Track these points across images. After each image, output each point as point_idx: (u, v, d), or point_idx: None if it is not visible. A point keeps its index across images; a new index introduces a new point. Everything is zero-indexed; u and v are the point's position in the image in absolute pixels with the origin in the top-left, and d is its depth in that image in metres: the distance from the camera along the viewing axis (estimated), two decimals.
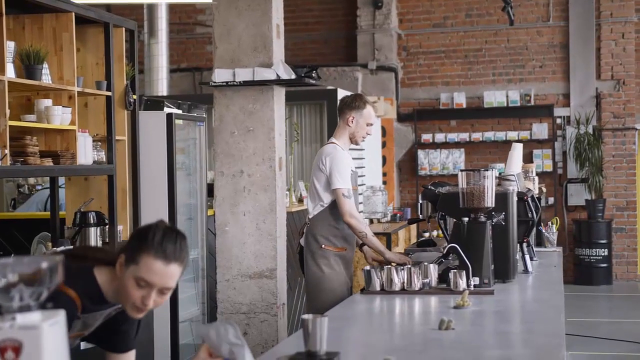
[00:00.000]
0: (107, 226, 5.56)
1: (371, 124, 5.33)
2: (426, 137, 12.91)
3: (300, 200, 8.08)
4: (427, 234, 12.39)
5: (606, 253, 12.21)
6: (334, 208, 5.20)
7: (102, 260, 2.71)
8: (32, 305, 1.76)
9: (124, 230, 5.85)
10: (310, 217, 5.29)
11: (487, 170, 4.44)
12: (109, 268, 2.68)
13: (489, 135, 12.71)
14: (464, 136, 12.79)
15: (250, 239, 5.73)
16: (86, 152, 5.27)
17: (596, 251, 12.20)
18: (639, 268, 12.74)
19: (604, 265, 12.23)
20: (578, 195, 12.56)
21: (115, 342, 2.90)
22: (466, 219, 4.42)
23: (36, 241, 5.86)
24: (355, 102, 5.30)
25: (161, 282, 2.57)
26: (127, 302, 2.63)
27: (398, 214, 11.38)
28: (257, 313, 5.74)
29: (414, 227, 11.35)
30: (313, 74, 6.06)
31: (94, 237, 5.40)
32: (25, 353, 1.72)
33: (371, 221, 10.23)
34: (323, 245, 5.20)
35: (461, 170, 4.48)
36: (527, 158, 12.36)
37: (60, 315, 1.80)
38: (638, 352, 8.15)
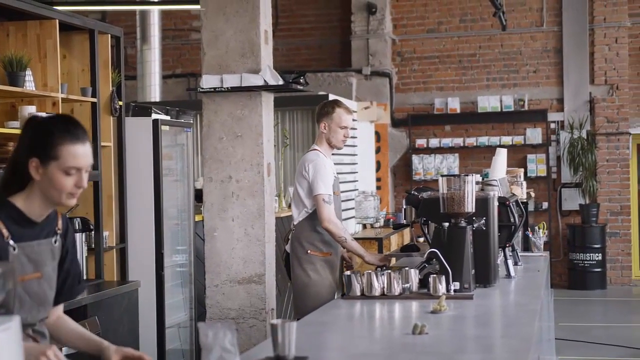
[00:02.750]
0: (92, 232, 5.58)
1: (345, 127, 5.42)
2: (420, 142, 12.93)
3: (290, 206, 8.10)
4: (422, 239, 12.39)
5: (600, 258, 12.22)
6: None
7: (10, 191, 2.74)
8: None
9: (109, 237, 5.87)
10: (295, 223, 5.40)
11: (468, 175, 4.45)
12: (21, 193, 2.72)
13: (483, 140, 12.73)
14: (458, 141, 12.81)
15: (239, 245, 5.74)
16: None
17: (590, 256, 12.20)
18: (633, 272, 12.74)
19: (598, 269, 12.24)
20: (572, 200, 12.56)
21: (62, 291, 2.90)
22: (446, 224, 4.43)
23: None
24: (325, 108, 5.46)
25: (87, 162, 2.72)
26: (60, 196, 2.70)
27: (392, 219, 11.39)
28: (246, 318, 5.74)
29: (407, 232, 11.36)
30: (301, 80, 6.08)
31: (80, 243, 5.41)
32: None
33: (364, 226, 10.24)
34: (309, 251, 5.30)
35: (442, 176, 4.50)
36: (521, 163, 12.38)
37: (14, 321, 1.82)
38: (631, 356, 8.15)
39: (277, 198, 8.03)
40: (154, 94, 10.49)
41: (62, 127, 2.70)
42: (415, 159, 12.92)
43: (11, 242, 2.66)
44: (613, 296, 11.92)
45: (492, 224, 4.63)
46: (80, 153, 2.69)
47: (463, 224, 4.43)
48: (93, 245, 5.62)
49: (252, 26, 5.83)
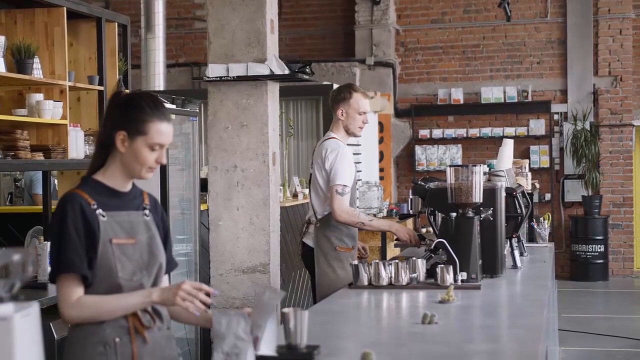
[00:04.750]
0: None
1: (364, 112, 5.20)
2: (423, 132, 12.92)
3: (295, 195, 8.10)
4: (424, 230, 12.41)
5: (602, 249, 12.23)
6: None
7: (93, 171, 2.90)
8: (4, 296, 1.79)
9: None
10: (319, 216, 5.17)
11: (475, 166, 4.45)
12: (100, 169, 2.88)
13: (486, 131, 12.72)
14: (462, 132, 12.81)
15: (244, 234, 5.74)
16: (77, 146, 5.29)
17: (592, 247, 12.22)
18: (635, 264, 12.76)
19: (600, 261, 12.25)
20: (575, 192, 12.57)
21: None
22: (454, 214, 4.43)
23: (30, 235, 5.88)
24: (341, 93, 5.23)
25: (170, 140, 2.87)
26: (141, 170, 2.84)
27: (395, 210, 11.40)
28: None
29: (410, 222, 11.37)
30: (307, 70, 6.06)
31: None
32: None
33: None
34: (337, 247, 5.11)
35: (449, 166, 4.49)
36: (524, 154, 12.38)
37: (34, 307, 1.82)
38: (632, 347, 8.16)
39: (281, 188, 8.03)
40: (158, 82, 10.46)
41: (152, 104, 2.84)
42: (418, 149, 12.92)
43: (99, 210, 2.80)
44: (615, 288, 11.95)
45: (500, 215, 4.63)
46: (166, 131, 2.84)
47: (470, 214, 4.43)
48: None
49: (258, 15, 5.82)
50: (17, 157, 4.76)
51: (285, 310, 2.76)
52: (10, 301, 1.80)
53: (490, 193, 4.57)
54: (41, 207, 5.76)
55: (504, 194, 4.73)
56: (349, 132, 5.23)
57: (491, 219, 4.55)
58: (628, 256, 12.62)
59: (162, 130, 2.82)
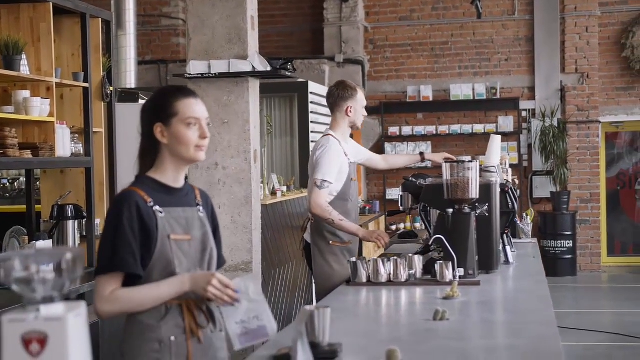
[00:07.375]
0: (84, 219, 5.49)
1: (364, 105, 5.37)
2: (393, 130, 12.95)
3: (274, 193, 8.06)
4: (394, 227, 12.45)
5: (571, 244, 12.36)
6: (337, 202, 5.12)
7: (146, 169, 2.90)
8: (55, 296, 1.74)
9: (101, 224, 5.78)
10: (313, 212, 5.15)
11: (472, 161, 4.45)
12: (152, 168, 2.88)
13: (456, 128, 12.78)
14: (431, 129, 12.85)
15: (226, 232, 5.72)
16: (64, 144, 5.20)
17: (561, 243, 12.34)
18: (602, 259, 12.91)
19: (569, 256, 12.38)
20: (543, 188, 12.69)
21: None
22: (451, 210, 4.43)
23: (8, 235, 5.76)
24: (348, 91, 5.27)
25: (202, 113, 2.87)
26: (188, 151, 2.83)
27: (367, 207, 11.43)
28: None
29: (382, 219, 11.41)
30: (288, 66, 6.05)
31: (72, 230, 5.33)
32: (51, 344, 1.70)
33: None
34: (331, 242, 5.16)
35: (445, 162, 4.49)
36: None
37: (82, 307, 1.78)
38: (604, 341, 8.26)
39: (261, 186, 7.99)
40: (130, 80, 10.33)
41: (174, 89, 2.89)
42: (388, 146, 12.94)
43: (156, 207, 2.80)
44: (583, 283, 12.08)
45: (495, 210, 4.64)
46: (195, 105, 2.86)
47: (467, 210, 4.43)
48: (85, 233, 5.53)
49: (239, 12, 5.79)
50: (6, 155, 4.66)
51: (308, 307, 2.73)
52: (60, 301, 1.75)
53: (485, 189, 4.58)
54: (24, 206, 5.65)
55: (498, 189, 4.74)
56: (354, 127, 5.32)
57: (487, 214, 4.55)
58: (595, 251, 12.77)
59: (191, 105, 2.84)
